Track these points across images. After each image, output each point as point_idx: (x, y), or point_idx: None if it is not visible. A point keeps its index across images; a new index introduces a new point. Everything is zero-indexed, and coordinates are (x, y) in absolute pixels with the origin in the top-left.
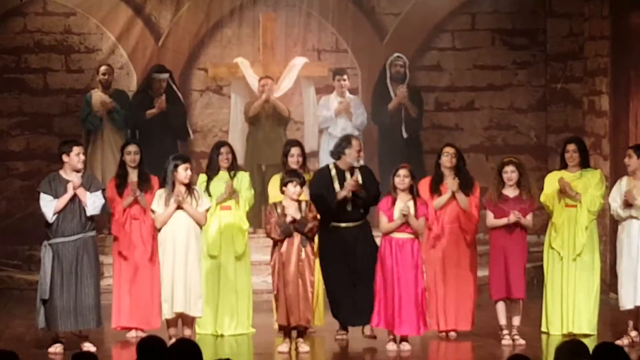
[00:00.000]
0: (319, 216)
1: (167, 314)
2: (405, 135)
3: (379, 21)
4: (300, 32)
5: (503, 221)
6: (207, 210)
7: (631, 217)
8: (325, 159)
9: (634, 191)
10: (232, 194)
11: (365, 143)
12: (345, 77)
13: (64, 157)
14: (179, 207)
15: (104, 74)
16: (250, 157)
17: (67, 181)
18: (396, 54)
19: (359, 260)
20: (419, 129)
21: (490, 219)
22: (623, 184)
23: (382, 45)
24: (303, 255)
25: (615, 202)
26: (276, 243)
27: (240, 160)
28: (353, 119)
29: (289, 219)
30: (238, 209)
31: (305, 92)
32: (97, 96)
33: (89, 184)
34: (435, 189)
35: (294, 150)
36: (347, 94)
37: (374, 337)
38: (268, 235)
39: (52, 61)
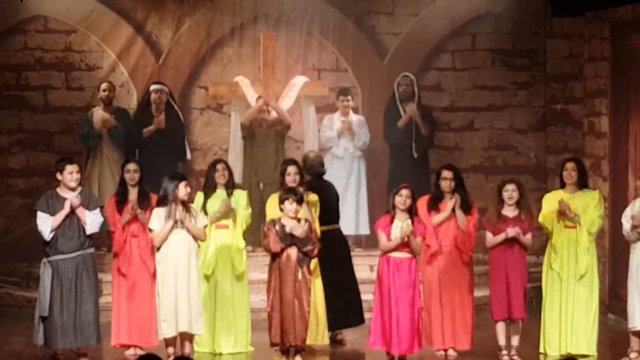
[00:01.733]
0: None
1: (167, 333)
2: (415, 154)
3: (379, 41)
4: (301, 51)
5: (501, 236)
6: (205, 227)
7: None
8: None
9: None
10: (230, 212)
11: (372, 161)
12: (349, 97)
13: (58, 175)
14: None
15: (104, 90)
16: (248, 175)
17: (64, 199)
18: (402, 74)
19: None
20: (429, 147)
21: (490, 238)
22: (637, 205)
23: (382, 64)
24: (300, 276)
25: (629, 222)
26: (274, 258)
27: (238, 179)
28: (355, 139)
29: (287, 229)
30: (235, 227)
31: (306, 111)
32: (99, 114)
33: (87, 202)
34: (434, 207)
35: (291, 169)
36: (352, 113)
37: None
38: (266, 250)
39: (52, 79)
